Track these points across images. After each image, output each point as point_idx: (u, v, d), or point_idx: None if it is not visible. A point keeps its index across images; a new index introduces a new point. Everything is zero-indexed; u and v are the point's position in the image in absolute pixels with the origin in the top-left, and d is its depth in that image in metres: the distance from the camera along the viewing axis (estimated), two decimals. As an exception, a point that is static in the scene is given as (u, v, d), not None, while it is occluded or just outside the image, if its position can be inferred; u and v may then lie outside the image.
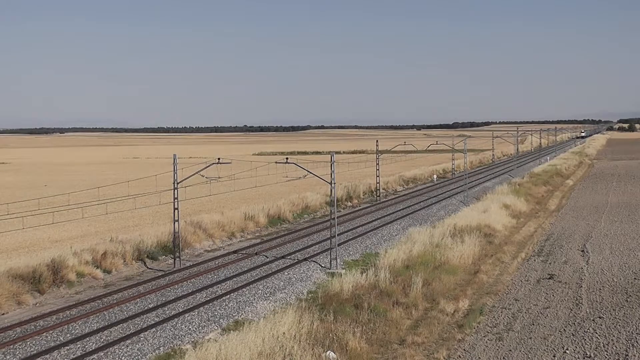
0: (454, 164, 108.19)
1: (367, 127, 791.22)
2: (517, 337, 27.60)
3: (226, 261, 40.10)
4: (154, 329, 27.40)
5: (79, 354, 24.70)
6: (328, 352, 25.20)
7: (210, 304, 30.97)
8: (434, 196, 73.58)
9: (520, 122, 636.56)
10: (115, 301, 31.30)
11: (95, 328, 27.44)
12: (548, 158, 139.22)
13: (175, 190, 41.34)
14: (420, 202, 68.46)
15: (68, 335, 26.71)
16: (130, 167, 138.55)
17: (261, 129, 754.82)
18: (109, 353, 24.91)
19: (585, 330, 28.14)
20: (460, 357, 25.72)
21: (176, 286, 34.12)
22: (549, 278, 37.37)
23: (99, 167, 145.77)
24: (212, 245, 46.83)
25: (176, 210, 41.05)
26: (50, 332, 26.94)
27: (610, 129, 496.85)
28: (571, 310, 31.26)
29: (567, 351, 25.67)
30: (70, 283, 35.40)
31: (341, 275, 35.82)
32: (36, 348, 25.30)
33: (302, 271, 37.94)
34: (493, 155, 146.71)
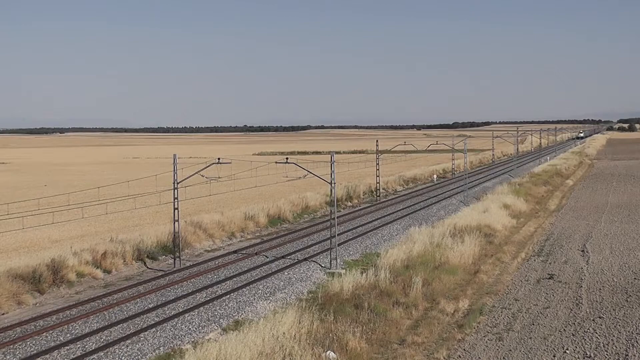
0: (454, 164, 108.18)
1: (367, 127, 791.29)
2: (517, 337, 27.60)
3: (226, 261, 40.10)
4: (154, 329, 27.41)
5: (79, 354, 24.70)
6: (328, 352, 25.20)
7: (210, 304, 30.98)
8: (434, 196, 73.58)
9: (520, 122, 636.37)
10: (115, 301, 31.30)
11: (95, 328, 27.44)
12: (548, 158, 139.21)
13: (175, 190, 41.35)
14: (420, 202, 68.46)
15: (68, 335, 26.72)
16: (130, 167, 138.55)
17: (261, 129, 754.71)
18: (109, 353, 24.91)
19: (585, 330, 28.14)
20: (460, 357, 25.72)
21: (176, 286, 34.13)
22: (549, 278, 37.37)
23: (99, 167, 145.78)
24: (212, 245, 46.83)
25: (176, 210, 41.05)
26: (50, 332, 26.94)
27: (610, 129, 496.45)
28: (571, 310, 31.26)
29: (567, 351, 25.67)
30: (70, 283, 35.41)
31: (341, 275, 35.82)
32: (36, 348, 25.30)
33: (302, 271, 37.95)
34: (493, 155, 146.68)
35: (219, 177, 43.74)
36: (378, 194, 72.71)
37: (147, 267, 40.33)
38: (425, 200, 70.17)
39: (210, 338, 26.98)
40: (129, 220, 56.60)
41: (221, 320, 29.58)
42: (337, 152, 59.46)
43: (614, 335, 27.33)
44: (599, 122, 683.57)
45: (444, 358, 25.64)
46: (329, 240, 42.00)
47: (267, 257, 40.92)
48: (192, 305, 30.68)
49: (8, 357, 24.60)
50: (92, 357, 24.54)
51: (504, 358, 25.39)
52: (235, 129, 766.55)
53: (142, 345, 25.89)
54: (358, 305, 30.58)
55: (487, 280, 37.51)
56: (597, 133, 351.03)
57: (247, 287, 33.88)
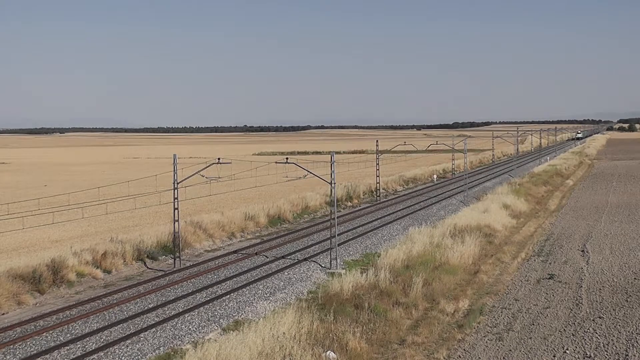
0: (454, 164, 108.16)
1: (367, 127, 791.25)
2: (517, 337, 27.60)
3: (226, 261, 40.09)
4: (154, 329, 27.40)
5: (79, 354, 24.70)
6: (328, 352, 25.20)
7: (210, 304, 30.97)
8: (434, 196, 73.57)
9: (520, 122, 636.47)
10: (115, 301, 31.29)
11: (95, 328, 27.44)
12: (548, 158, 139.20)
13: (175, 190, 41.34)
14: (420, 202, 68.45)
15: (68, 335, 26.71)
16: (130, 167, 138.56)
17: (261, 129, 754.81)
18: (109, 353, 24.91)
19: (585, 330, 28.14)
20: (460, 357, 25.72)
21: (176, 286, 34.12)
22: (549, 278, 37.37)
23: (99, 167, 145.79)
24: (212, 245, 46.82)
25: (176, 210, 41.04)
26: (50, 332, 26.93)
27: (610, 129, 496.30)
28: (571, 310, 31.26)
29: (567, 351, 25.67)
30: (70, 283, 35.40)
31: (341, 275, 35.81)
32: (36, 348, 25.30)
33: (302, 271, 37.94)
34: (493, 155, 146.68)
35: (219, 177, 43.73)
36: (378, 194, 72.70)
37: (147, 267, 40.33)
38: (425, 200, 70.16)
39: (210, 338, 26.98)
40: (129, 220, 56.60)
41: (221, 320, 29.58)
42: (337, 152, 59.47)
43: (614, 335, 27.33)
44: (599, 122, 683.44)
45: (444, 358, 25.64)
46: (329, 240, 41.99)
47: (267, 257, 40.91)
48: (192, 305, 30.67)
49: (8, 357, 24.60)
50: (92, 357, 24.53)
51: (504, 358, 25.39)
52: (235, 129, 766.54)
53: (142, 345, 25.89)
54: (358, 305, 30.58)
55: (487, 280, 37.51)
56: (596, 133, 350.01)
57: (247, 287, 33.88)
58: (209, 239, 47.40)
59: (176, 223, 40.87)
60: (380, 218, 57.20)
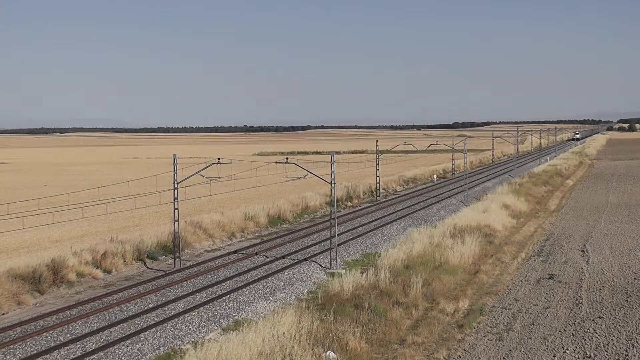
0: (454, 164, 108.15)
1: (367, 127, 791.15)
2: (517, 337, 27.60)
3: (226, 261, 40.09)
4: (154, 329, 27.40)
5: (79, 354, 24.70)
6: (328, 352, 25.20)
7: (210, 304, 30.97)
8: (434, 196, 73.56)
9: (520, 122, 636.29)
10: (115, 301, 31.29)
11: (95, 328, 27.44)
12: (548, 158, 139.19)
13: (175, 190, 41.34)
14: (420, 202, 68.44)
15: (68, 335, 26.71)
16: (130, 167, 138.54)
17: (261, 129, 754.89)
18: (109, 353, 24.91)
19: (585, 330, 28.14)
20: (460, 357, 25.72)
21: (176, 286, 34.12)
22: (549, 278, 37.37)
23: (99, 167, 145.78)
24: (212, 245, 46.82)
25: (176, 210, 41.05)
26: (50, 332, 26.93)
27: (610, 129, 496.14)
28: (571, 310, 31.26)
29: (567, 351, 25.67)
30: (70, 283, 35.40)
31: (341, 275, 35.81)
32: (36, 348, 25.30)
33: (302, 271, 37.94)
34: (493, 155, 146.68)
35: (219, 177, 43.73)
36: (378, 194, 72.70)
37: (147, 267, 40.32)
38: (425, 200, 70.16)
39: (210, 338, 26.98)
40: (129, 220, 56.60)
41: (221, 320, 29.58)
42: (337, 152, 59.46)
43: (614, 335, 27.33)
44: (599, 122, 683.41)
45: (444, 358, 25.64)
46: (329, 240, 41.99)
47: (267, 257, 40.91)
48: (192, 305, 30.67)
49: (8, 357, 24.60)
50: (92, 357, 24.53)
51: (504, 358, 25.39)
52: (235, 129, 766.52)
53: (142, 345, 25.89)
54: (358, 306, 30.57)
55: (487, 280, 37.51)
56: (596, 133, 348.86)
57: (247, 287, 33.88)
58: (209, 239, 47.39)
59: (176, 223, 40.87)
60: (380, 218, 57.20)
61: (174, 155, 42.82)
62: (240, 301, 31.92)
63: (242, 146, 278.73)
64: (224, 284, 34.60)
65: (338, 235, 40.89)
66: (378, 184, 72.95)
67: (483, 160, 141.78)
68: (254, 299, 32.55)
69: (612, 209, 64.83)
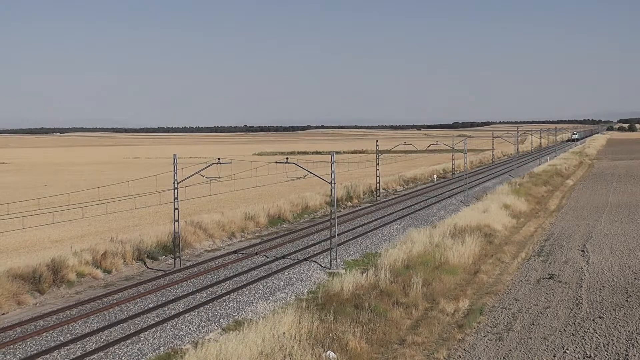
0: (454, 164, 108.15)
1: (367, 127, 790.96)
2: (517, 337, 27.60)
3: (226, 261, 40.09)
4: (154, 329, 27.40)
5: (79, 354, 24.70)
6: (328, 352, 25.20)
7: (211, 304, 30.97)
8: (434, 196, 73.56)
9: (520, 122, 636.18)
10: (115, 301, 31.29)
11: (95, 328, 27.43)
12: (548, 158, 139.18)
13: (175, 190, 41.34)
14: (420, 202, 68.44)
15: (68, 335, 26.71)
16: (130, 167, 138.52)
17: (261, 129, 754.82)
18: (109, 353, 24.91)
19: (585, 330, 28.14)
20: (460, 357, 25.72)
21: (176, 286, 34.12)
22: (549, 278, 37.37)
23: (99, 167, 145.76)
24: (212, 245, 46.82)
25: (176, 210, 41.04)
26: (50, 332, 26.93)
27: (610, 129, 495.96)
28: (571, 310, 31.26)
29: (567, 351, 25.67)
30: (70, 283, 35.39)
31: (341, 275, 35.81)
32: (36, 348, 25.30)
33: (302, 271, 37.94)
34: (493, 155, 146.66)
35: (219, 177, 43.73)
36: (378, 194, 72.70)
37: (147, 267, 40.32)
38: (426, 200, 70.15)
39: (210, 338, 26.98)
40: (129, 220, 56.59)
41: (221, 320, 29.58)
42: (337, 152, 59.43)
43: (614, 335, 27.32)
44: (599, 122, 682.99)
45: (444, 358, 25.64)
46: (329, 240, 41.99)
47: (267, 257, 40.91)
48: (192, 305, 30.67)
49: (8, 357, 24.60)
50: (92, 357, 24.53)
51: (504, 358, 25.39)
52: (235, 129, 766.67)
53: (142, 345, 25.89)
54: (358, 305, 30.58)
55: (487, 280, 37.51)
56: (595, 133, 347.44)
57: (247, 287, 33.88)
58: (209, 239, 47.39)
59: (176, 223, 40.87)
60: (380, 218, 57.19)
61: (174, 155, 42.81)
62: (240, 301, 31.92)
63: (242, 146, 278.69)
64: (224, 283, 34.60)
65: (338, 235, 40.89)
66: (378, 184, 72.95)
67: (483, 160, 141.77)
68: (254, 299, 32.55)
69: (612, 208, 64.82)
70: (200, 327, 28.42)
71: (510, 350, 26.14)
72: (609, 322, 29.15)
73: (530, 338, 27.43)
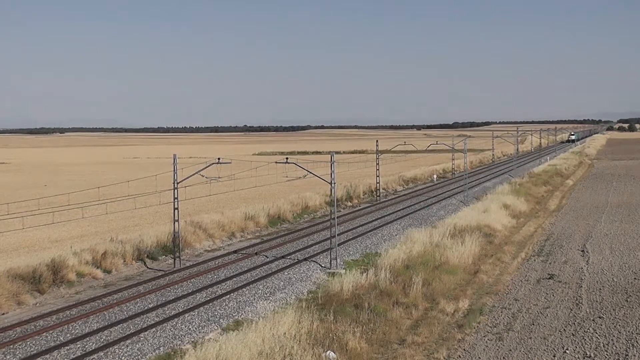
0: (454, 164, 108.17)
1: (367, 127, 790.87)
2: (517, 337, 27.60)
3: (226, 261, 40.10)
4: (154, 329, 27.41)
5: (79, 354, 24.71)
6: (328, 352, 25.20)
7: (210, 304, 30.98)
8: (434, 196, 73.58)
9: (520, 122, 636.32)
10: (115, 301, 31.31)
11: (95, 328, 27.45)
12: (548, 158, 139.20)
13: (175, 190, 41.35)
14: (420, 202, 68.46)
15: (68, 335, 26.72)
16: (130, 167, 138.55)
17: (261, 129, 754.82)
18: (109, 353, 24.91)
19: (585, 330, 28.15)
20: (460, 357, 25.73)
21: (176, 286, 34.13)
22: (549, 278, 37.38)
23: (99, 167, 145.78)
24: (212, 245, 46.83)
25: (176, 210, 41.05)
26: (50, 332, 26.95)
27: (610, 129, 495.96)
28: (571, 310, 31.26)
29: (567, 351, 25.68)
30: (70, 283, 35.41)
31: (341, 275, 35.81)
32: (36, 348, 25.31)
33: (302, 271, 37.95)
34: (493, 155, 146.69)
35: (219, 177, 43.75)
36: (378, 194, 72.70)
37: (147, 267, 40.33)
38: (425, 200, 70.17)
39: (210, 338, 26.98)
40: (129, 220, 56.60)
41: (221, 320, 29.59)
42: (337, 152, 59.44)
43: (614, 335, 27.33)
44: (599, 122, 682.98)
45: (444, 358, 25.64)
46: (329, 240, 42.00)
47: (267, 257, 40.92)
48: (192, 305, 30.68)
49: (8, 357, 24.61)
50: (92, 357, 24.54)
51: (504, 358, 25.40)
52: (235, 129, 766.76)
53: (142, 345, 25.90)
54: (358, 305, 30.58)
55: (487, 280, 37.52)
56: (595, 133, 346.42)
57: (247, 287, 33.89)
58: (209, 239, 47.40)
59: (176, 223, 40.88)
60: (380, 218, 57.21)
61: (174, 155, 42.82)
62: (240, 301, 31.93)
63: (242, 146, 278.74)
64: (224, 283, 34.61)
65: (338, 235, 40.90)
66: (378, 184, 72.96)
67: (483, 160, 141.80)
68: (254, 299, 32.56)
69: (612, 208, 64.83)
70: (200, 327, 28.43)
71: (510, 350, 26.14)
72: (608, 322, 29.16)
73: (530, 338, 27.43)
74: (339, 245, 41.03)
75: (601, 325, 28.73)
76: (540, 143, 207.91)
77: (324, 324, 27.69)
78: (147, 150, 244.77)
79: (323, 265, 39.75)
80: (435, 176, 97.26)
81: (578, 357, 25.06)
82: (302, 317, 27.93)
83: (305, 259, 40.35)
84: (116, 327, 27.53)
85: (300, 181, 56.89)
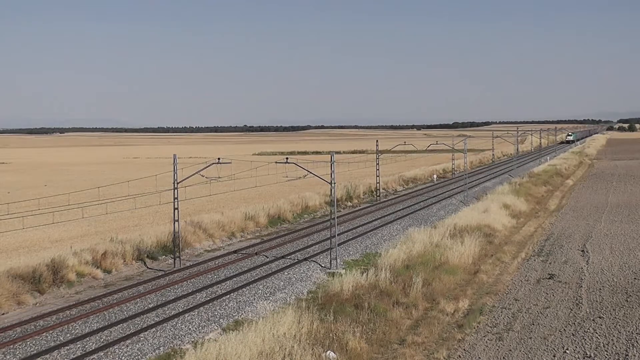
0: (454, 164, 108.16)
1: (367, 127, 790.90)
2: (517, 337, 27.60)
3: (226, 261, 40.10)
4: (154, 329, 27.41)
5: (79, 354, 24.71)
6: (328, 352, 25.19)
7: (210, 304, 30.98)
8: (434, 196, 73.57)
9: (520, 122, 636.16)
10: (115, 301, 31.31)
11: (95, 328, 27.45)
12: (548, 158, 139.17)
13: (175, 190, 41.35)
14: (420, 202, 68.46)
15: (68, 335, 26.72)
16: (130, 167, 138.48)
17: (261, 129, 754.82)
18: (109, 353, 24.91)
19: (585, 330, 28.14)
20: (460, 357, 25.72)
21: (176, 286, 34.13)
22: (549, 278, 37.37)
23: (99, 167, 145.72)
24: (212, 245, 46.83)
25: (176, 210, 41.05)
26: (50, 332, 26.95)
27: (610, 129, 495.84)
28: (571, 310, 31.26)
29: (567, 351, 25.67)
30: (70, 283, 35.40)
31: (341, 275, 35.80)
32: (36, 348, 25.31)
33: (302, 271, 37.94)
34: (493, 155, 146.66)
35: (219, 177, 43.75)
36: (378, 194, 72.70)
37: (147, 267, 40.33)
38: (425, 200, 70.17)
39: (210, 338, 26.98)
40: (129, 220, 56.59)
41: (221, 320, 29.59)
42: (337, 152, 59.45)
43: (614, 335, 27.32)
44: (599, 122, 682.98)
45: (444, 358, 25.63)
46: (329, 240, 42.00)
47: (267, 257, 40.92)
48: (192, 305, 30.68)
49: (8, 357, 24.60)
50: (92, 357, 24.54)
51: (504, 358, 25.39)
52: (235, 129, 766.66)
53: (142, 345, 25.90)
54: (358, 305, 30.57)
55: (487, 280, 37.51)
56: (595, 133, 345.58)
57: (247, 287, 33.89)
58: (209, 238, 47.40)
59: (176, 223, 40.88)
60: (380, 218, 57.21)
61: (174, 155, 42.82)
62: (240, 301, 31.93)
63: (242, 146, 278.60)
64: (224, 283, 34.61)
65: (338, 235, 40.90)
66: (378, 184, 72.95)
67: (483, 160, 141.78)
68: (254, 299, 32.56)
69: (612, 208, 64.82)
70: (200, 327, 28.43)
71: (510, 350, 26.14)
72: (608, 322, 29.15)
73: (530, 338, 27.43)
74: (339, 245, 41.03)
75: (601, 325, 28.72)
76: (540, 143, 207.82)
77: (324, 324, 27.68)
78: (147, 150, 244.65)
79: (323, 265, 39.74)
80: (435, 176, 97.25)
81: (578, 357, 25.06)
82: (302, 317, 27.92)
83: (305, 259, 40.35)
84: (116, 327, 27.53)
85: (300, 181, 56.87)
